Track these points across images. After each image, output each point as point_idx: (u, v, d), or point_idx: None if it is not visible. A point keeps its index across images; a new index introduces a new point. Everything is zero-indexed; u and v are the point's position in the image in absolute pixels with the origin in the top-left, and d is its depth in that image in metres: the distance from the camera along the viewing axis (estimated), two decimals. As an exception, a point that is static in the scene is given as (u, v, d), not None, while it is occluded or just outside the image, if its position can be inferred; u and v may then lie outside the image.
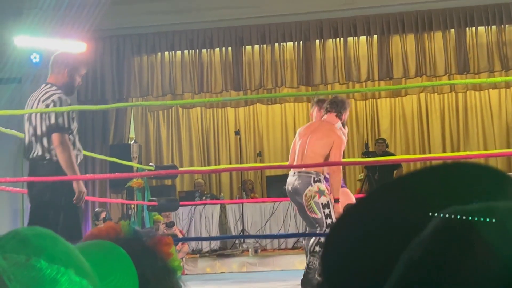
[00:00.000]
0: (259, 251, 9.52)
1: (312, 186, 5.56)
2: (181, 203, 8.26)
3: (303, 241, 6.43)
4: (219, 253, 9.48)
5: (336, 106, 5.80)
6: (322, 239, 5.31)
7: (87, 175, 4.95)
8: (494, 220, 0.50)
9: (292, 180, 5.69)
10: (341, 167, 5.72)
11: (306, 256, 5.59)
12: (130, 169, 7.95)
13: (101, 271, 0.75)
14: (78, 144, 4.49)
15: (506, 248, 0.48)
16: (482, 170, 0.59)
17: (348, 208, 0.63)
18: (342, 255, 0.59)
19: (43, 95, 4.42)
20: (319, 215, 5.52)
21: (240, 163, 11.14)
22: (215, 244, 9.74)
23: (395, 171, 10.66)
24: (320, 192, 5.56)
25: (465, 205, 0.52)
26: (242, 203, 9.93)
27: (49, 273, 0.69)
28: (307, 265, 5.43)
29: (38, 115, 4.36)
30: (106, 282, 0.76)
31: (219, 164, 12.22)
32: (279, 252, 9.54)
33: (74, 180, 4.27)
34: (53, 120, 4.32)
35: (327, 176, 5.66)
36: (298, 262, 8.40)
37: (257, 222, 9.99)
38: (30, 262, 0.69)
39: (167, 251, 1.02)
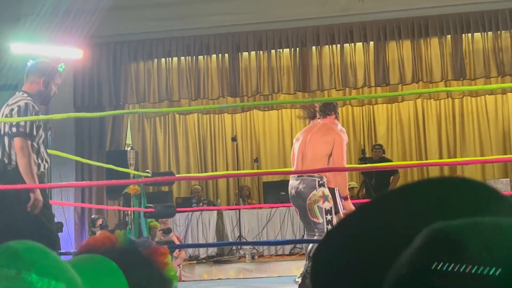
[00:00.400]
0: (256, 257, 9.51)
1: (317, 190, 5.52)
2: (178, 209, 8.25)
3: (303, 246, 6.45)
4: (216, 260, 9.47)
5: (333, 107, 5.85)
6: None
7: (84, 182, 4.93)
8: (479, 236, 0.50)
9: (295, 183, 5.63)
10: (345, 165, 5.70)
11: (307, 260, 5.57)
12: (127, 175, 7.94)
13: (92, 285, 0.75)
14: (44, 154, 4.43)
15: (490, 264, 0.48)
16: (476, 186, 0.59)
17: (344, 218, 0.64)
18: (333, 264, 0.59)
19: (12, 100, 4.41)
20: (320, 220, 5.48)
21: (237, 169, 11.14)
22: (212, 250, 9.73)
23: (391, 177, 10.68)
24: (325, 197, 5.52)
25: (453, 220, 0.52)
26: (239, 209, 9.93)
27: (40, 286, 0.69)
28: (306, 270, 5.42)
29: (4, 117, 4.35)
30: None
31: (216, 170, 12.22)
32: (276, 258, 9.53)
33: (33, 189, 4.20)
34: (15, 125, 4.26)
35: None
36: (295, 268, 8.39)
37: (254, 228, 9.99)
38: (20, 275, 0.69)
39: (163, 261, 1.01)
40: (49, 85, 4.52)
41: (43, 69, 4.56)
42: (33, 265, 0.70)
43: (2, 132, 4.36)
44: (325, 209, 5.48)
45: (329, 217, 5.49)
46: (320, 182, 5.56)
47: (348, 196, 5.62)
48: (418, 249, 0.51)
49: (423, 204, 0.57)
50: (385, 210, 0.60)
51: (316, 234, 5.49)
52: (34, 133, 4.32)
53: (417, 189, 0.60)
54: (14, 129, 4.27)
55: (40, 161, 4.39)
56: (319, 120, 5.88)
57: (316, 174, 5.53)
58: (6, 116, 4.33)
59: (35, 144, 4.33)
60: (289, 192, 5.73)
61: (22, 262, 0.70)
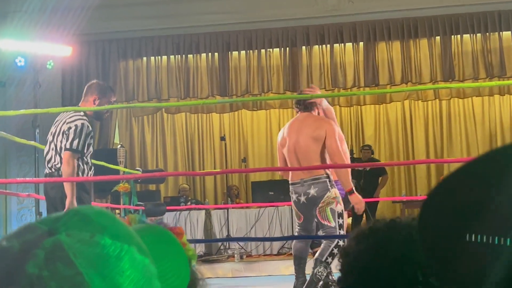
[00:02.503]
0: (245, 256, 9.50)
1: (330, 191, 5.14)
2: (166, 208, 8.22)
3: (291, 246, 6.08)
4: (205, 259, 9.44)
5: (311, 103, 5.39)
6: (336, 250, 4.94)
7: (74, 177, 4.97)
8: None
9: (303, 189, 5.19)
10: (343, 157, 5.14)
11: (317, 264, 5.02)
12: (116, 173, 7.89)
13: (154, 254, 0.75)
14: (90, 164, 5.15)
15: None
16: None
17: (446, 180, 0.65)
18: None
19: (69, 117, 5.02)
20: (333, 224, 5.11)
21: (226, 169, 11.13)
22: (200, 250, 9.71)
23: (380, 178, 10.71)
24: (337, 199, 5.16)
25: None
26: (227, 209, 9.91)
27: (113, 250, 0.69)
28: (314, 274, 4.97)
29: (61, 133, 5.01)
30: (159, 265, 0.75)
31: (203, 170, 12.19)
32: (265, 258, 9.53)
33: (68, 195, 4.81)
34: (69, 142, 4.95)
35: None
36: (284, 268, 8.39)
37: (242, 227, 9.98)
38: (94, 239, 0.68)
39: (179, 241, 1.00)
40: (103, 104, 5.11)
41: (97, 88, 5.18)
42: (105, 229, 0.70)
43: (58, 147, 5.02)
44: (337, 212, 5.12)
45: (340, 221, 5.11)
46: (331, 182, 5.19)
47: (354, 189, 5.17)
48: None
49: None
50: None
51: (324, 241, 5.15)
52: (85, 150, 5.00)
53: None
54: (68, 145, 4.93)
55: (88, 170, 5.08)
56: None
57: (323, 174, 5.16)
58: (64, 132, 4.99)
59: (85, 158, 5.03)
60: (296, 199, 5.26)
61: (94, 226, 0.70)
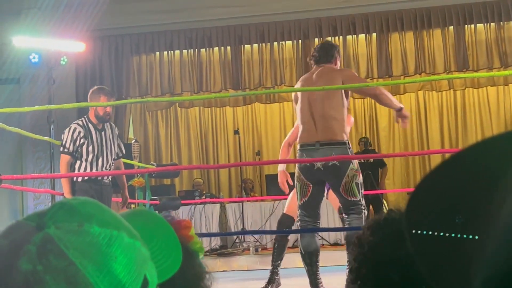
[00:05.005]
0: (260, 249, 9.51)
1: (352, 163, 4.59)
2: (181, 202, 8.24)
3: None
4: (220, 252, 9.47)
5: (330, 49, 4.91)
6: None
7: (87, 172, 5.08)
8: None
9: (321, 153, 4.55)
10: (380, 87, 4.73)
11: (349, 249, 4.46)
12: (131, 168, 7.92)
13: (143, 236, 0.75)
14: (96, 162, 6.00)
15: None
16: None
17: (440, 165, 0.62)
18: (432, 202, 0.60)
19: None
20: (358, 197, 4.62)
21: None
22: (216, 243, 9.73)
23: (380, 170, 10.64)
24: (359, 170, 4.68)
25: None
26: (242, 202, 9.92)
27: (103, 237, 0.69)
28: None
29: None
30: (150, 247, 0.76)
31: (218, 163, 12.20)
32: (280, 251, 9.51)
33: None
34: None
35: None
36: (299, 260, 8.31)
37: (257, 221, 9.98)
38: (83, 228, 0.69)
39: (187, 234, 1.01)
40: (96, 108, 5.78)
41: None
42: (93, 217, 0.70)
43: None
44: (360, 183, 4.64)
45: (362, 190, 4.64)
46: (351, 148, 4.67)
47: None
48: None
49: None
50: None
51: (355, 215, 4.60)
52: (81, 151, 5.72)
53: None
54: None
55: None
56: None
57: (344, 137, 4.62)
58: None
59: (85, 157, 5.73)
60: (307, 168, 4.60)
61: (81, 216, 0.70)
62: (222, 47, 10.43)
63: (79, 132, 5.73)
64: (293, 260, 8.78)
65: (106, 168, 5.79)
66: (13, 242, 0.68)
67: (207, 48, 10.48)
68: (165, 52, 10.59)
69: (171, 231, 0.84)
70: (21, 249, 0.66)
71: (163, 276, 0.79)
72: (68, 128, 5.79)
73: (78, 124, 5.80)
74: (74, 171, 5.65)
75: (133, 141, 8.21)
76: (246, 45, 10.43)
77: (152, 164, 7.49)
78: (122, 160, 6.48)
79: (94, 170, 5.67)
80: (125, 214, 0.83)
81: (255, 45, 10.40)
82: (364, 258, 1.15)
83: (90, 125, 5.81)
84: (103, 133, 5.87)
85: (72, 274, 0.66)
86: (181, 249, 0.83)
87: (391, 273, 1.10)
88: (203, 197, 10.48)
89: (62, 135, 5.78)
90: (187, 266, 0.98)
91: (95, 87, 6.10)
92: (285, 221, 5.73)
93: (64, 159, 5.65)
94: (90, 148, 5.72)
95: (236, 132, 10.89)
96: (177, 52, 10.57)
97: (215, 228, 9.87)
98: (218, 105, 12.06)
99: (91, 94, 5.89)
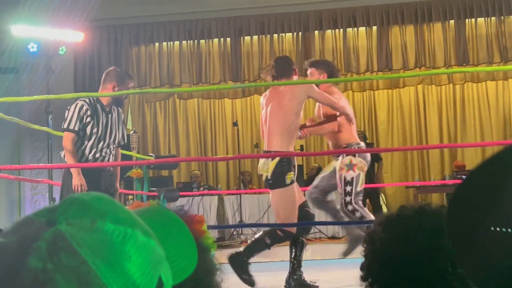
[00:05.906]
0: (257, 242, 9.49)
1: (343, 157, 5.19)
2: (180, 193, 8.22)
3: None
4: (217, 244, 9.43)
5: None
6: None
7: (83, 163, 5.03)
8: None
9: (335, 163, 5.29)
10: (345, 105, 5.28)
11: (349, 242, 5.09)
12: (129, 159, 7.89)
13: (158, 235, 0.72)
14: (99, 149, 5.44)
15: None
16: None
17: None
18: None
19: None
20: (341, 190, 5.16)
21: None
22: (213, 235, 9.69)
23: (376, 164, 10.61)
24: (349, 166, 5.13)
25: None
26: (240, 194, 9.91)
27: (117, 235, 0.66)
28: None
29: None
30: (165, 247, 0.73)
31: (216, 155, 12.19)
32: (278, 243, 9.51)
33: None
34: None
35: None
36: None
37: (255, 213, 9.98)
38: (96, 225, 0.66)
39: (199, 229, 0.99)
40: (121, 90, 5.24)
41: (114, 76, 5.27)
42: (106, 214, 0.67)
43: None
44: (345, 179, 5.09)
45: (348, 188, 5.04)
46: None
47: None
48: None
49: None
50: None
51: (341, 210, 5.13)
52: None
53: None
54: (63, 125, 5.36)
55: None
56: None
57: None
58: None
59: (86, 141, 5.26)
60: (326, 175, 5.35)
61: (94, 212, 0.67)
62: (222, 39, 10.40)
63: (86, 110, 5.19)
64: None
65: (106, 153, 5.35)
66: (22, 239, 0.65)
67: (207, 40, 10.45)
68: (165, 43, 10.55)
69: (187, 231, 0.81)
70: (31, 246, 0.63)
71: (178, 278, 0.76)
72: (74, 105, 5.21)
73: (85, 101, 5.23)
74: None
75: (132, 132, 8.18)
76: (245, 37, 10.40)
77: (150, 156, 7.46)
78: (120, 150, 6.46)
79: (93, 154, 5.25)
80: (139, 211, 0.80)
81: (255, 37, 10.37)
82: (376, 254, 1.13)
83: (98, 105, 5.27)
84: (109, 115, 5.34)
85: (83, 273, 0.63)
86: (197, 249, 0.81)
87: (403, 270, 1.08)
88: (201, 189, 10.46)
89: (67, 111, 5.21)
90: (199, 261, 0.95)
91: (121, 70, 5.62)
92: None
93: (69, 136, 5.15)
94: (95, 129, 5.24)
95: (234, 124, 10.87)
96: (177, 43, 10.53)
97: (213, 220, 9.86)
98: (217, 97, 12.03)
99: (120, 75, 5.32)
